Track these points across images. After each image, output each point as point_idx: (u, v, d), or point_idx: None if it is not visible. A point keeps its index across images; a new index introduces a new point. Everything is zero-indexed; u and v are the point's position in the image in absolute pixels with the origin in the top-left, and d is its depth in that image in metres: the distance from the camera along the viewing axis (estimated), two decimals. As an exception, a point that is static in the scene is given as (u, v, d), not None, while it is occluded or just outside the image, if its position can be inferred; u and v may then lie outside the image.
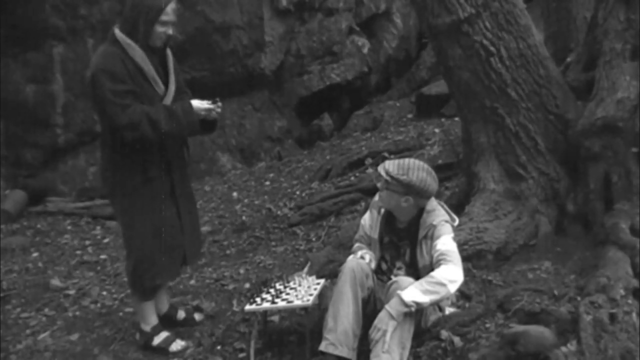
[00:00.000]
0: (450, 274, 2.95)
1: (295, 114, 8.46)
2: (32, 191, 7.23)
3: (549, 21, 5.88)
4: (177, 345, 3.70)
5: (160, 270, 3.62)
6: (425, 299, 2.91)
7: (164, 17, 3.43)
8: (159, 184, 3.54)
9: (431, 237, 3.11)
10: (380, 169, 3.18)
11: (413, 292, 2.91)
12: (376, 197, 3.35)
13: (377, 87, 9.28)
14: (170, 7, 3.43)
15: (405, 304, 2.89)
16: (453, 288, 2.98)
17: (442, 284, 2.93)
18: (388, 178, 3.13)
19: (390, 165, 3.16)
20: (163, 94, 3.50)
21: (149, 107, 3.38)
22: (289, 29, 8.18)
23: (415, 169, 3.13)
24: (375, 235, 3.31)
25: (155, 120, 3.34)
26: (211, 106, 3.53)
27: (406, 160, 3.20)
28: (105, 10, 7.43)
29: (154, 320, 3.75)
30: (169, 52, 3.59)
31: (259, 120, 8.16)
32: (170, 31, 3.47)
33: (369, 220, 3.37)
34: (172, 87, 3.54)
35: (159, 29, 3.44)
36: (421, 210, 3.19)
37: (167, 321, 3.86)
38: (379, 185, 3.24)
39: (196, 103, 3.52)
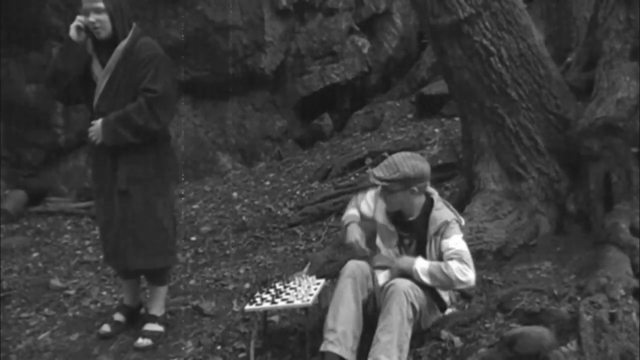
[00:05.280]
0: (464, 277, 3.02)
1: (295, 114, 8.43)
2: (32, 191, 7.21)
3: (549, 21, 5.88)
4: (106, 327, 3.97)
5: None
6: (427, 280, 3.04)
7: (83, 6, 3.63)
8: (95, 177, 3.87)
9: (442, 234, 3.12)
10: (372, 179, 3.18)
11: (423, 266, 3.07)
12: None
13: (377, 87, 9.25)
14: None
15: (411, 269, 3.06)
16: (457, 286, 3.08)
17: (451, 280, 3.02)
18: (385, 183, 3.13)
19: (379, 171, 3.15)
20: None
21: None
22: (289, 29, 8.16)
23: (402, 161, 3.14)
24: (380, 219, 3.30)
25: None
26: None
27: (388, 159, 3.20)
28: (105, 10, 7.42)
29: (123, 300, 4.13)
30: (119, 48, 3.64)
31: (259, 120, 8.14)
32: (90, 19, 3.59)
33: (369, 200, 3.37)
34: (103, 82, 3.66)
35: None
36: (430, 207, 3.19)
37: (133, 316, 4.07)
38: (381, 194, 3.24)
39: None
